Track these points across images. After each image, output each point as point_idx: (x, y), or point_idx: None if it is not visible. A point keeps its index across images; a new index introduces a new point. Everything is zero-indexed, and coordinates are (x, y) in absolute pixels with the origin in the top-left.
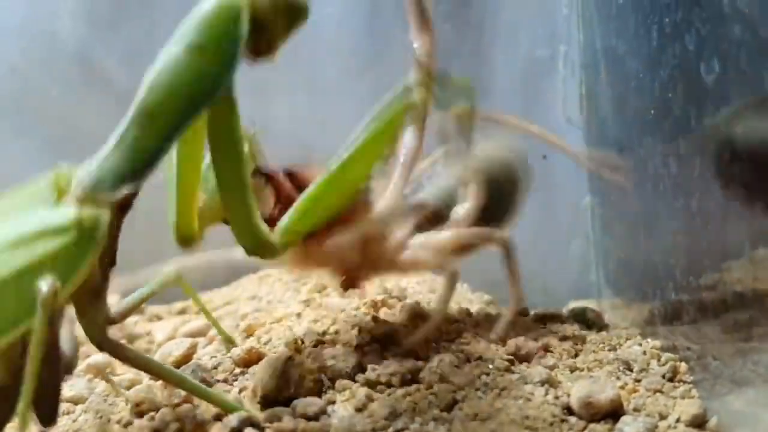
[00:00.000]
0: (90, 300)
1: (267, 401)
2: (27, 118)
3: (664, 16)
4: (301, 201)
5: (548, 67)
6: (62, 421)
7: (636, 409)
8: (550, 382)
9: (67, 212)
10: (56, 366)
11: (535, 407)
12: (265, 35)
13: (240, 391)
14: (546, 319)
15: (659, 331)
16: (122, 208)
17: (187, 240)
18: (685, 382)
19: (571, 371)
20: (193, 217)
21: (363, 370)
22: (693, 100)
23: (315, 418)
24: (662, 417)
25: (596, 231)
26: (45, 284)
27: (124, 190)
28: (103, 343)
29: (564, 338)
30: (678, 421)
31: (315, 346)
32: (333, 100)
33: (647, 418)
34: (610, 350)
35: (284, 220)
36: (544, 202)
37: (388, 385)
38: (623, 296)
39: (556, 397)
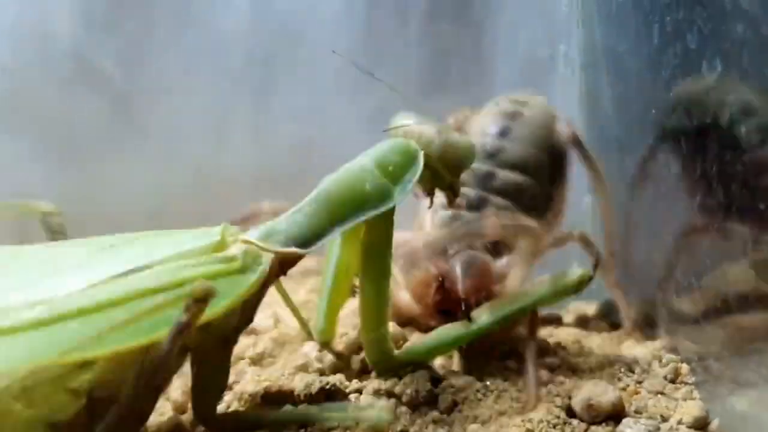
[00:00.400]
0: (216, 352)
1: None
2: (20, 118)
3: (665, 15)
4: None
5: (548, 67)
6: None
7: (637, 411)
8: (551, 384)
9: (236, 245)
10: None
11: (535, 410)
12: (433, 178)
13: None
14: (547, 321)
15: (661, 332)
16: (282, 265)
17: (326, 343)
18: (686, 383)
19: (573, 373)
20: (334, 321)
21: None
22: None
23: None
24: (664, 419)
25: (596, 231)
26: (200, 287)
27: (289, 248)
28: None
29: (565, 340)
30: (680, 423)
31: None
32: (332, 100)
33: (649, 420)
34: (611, 352)
35: (413, 344)
36: None
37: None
38: (624, 296)
39: (557, 400)
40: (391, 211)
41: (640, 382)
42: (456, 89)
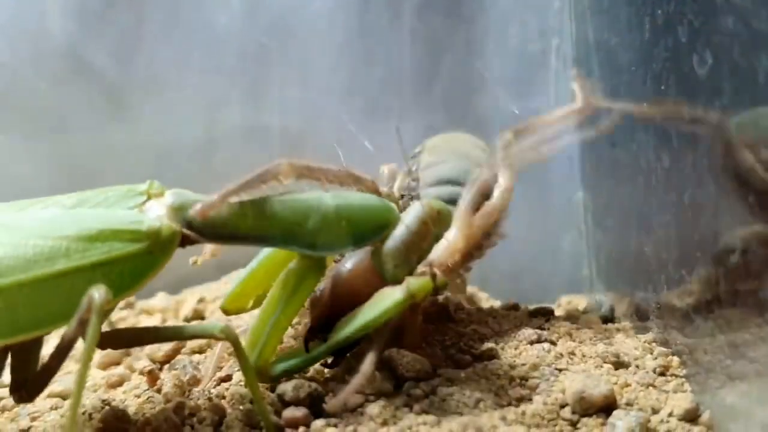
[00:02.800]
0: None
1: None
2: (15, 113)
3: (656, 9)
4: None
5: (540, 61)
6: (50, 416)
7: (628, 404)
8: (543, 377)
9: (148, 220)
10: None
11: (529, 402)
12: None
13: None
14: (539, 314)
15: (651, 325)
16: (183, 243)
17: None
18: (677, 376)
19: (565, 366)
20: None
21: None
22: (686, 92)
23: None
24: (654, 411)
25: (588, 225)
26: (98, 293)
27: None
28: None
29: (557, 333)
30: (670, 415)
31: None
32: (324, 94)
33: (639, 413)
34: (603, 344)
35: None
36: (536, 196)
37: None
38: (615, 290)
39: (550, 392)
40: (323, 260)
41: (631, 375)
42: (448, 84)
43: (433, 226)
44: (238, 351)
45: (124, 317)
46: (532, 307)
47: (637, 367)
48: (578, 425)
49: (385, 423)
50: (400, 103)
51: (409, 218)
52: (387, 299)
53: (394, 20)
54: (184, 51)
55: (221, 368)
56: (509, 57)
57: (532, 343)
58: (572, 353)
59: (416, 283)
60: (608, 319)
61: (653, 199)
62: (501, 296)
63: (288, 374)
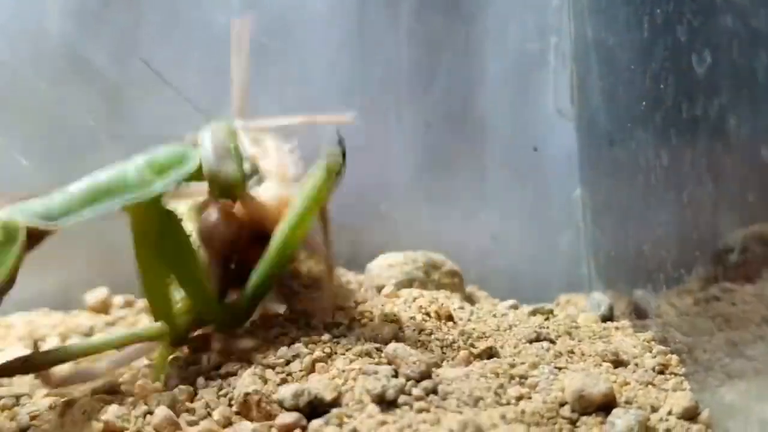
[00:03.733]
0: None
1: None
2: (13, 113)
3: (655, 8)
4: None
5: (539, 60)
6: (49, 415)
7: (627, 402)
8: (543, 375)
9: None
10: None
11: (528, 400)
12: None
13: None
14: (538, 313)
15: (650, 323)
16: (31, 239)
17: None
18: (676, 374)
19: (564, 364)
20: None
21: None
22: (684, 91)
23: None
24: (654, 409)
25: (587, 223)
26: None
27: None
28: None
29: (556, 332)
30: (669, 413)
31: None
32: (322, 93)
33: (638, 411)
34: (602, 343)
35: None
36: (534, 194)
37: None
38: (614, 289)
39: (550, 390)
40: (158, 201)
41: (630, 373)
42: (447, 83)
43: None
44: None
45: (123, 316)
46: (531, 306)
47: (636, 365)
48: (577, 423)
49: (384, 422)
50: (398, 102)
51: (204, 139)
52: (309, 185)
53: (392, 19)
54: (182, 50)
55: None
56: (508, 56)
57: (531, 341)
58: (571, 352)
59: (328, 151)
60: (607, 317)
61: (652, 197)
62: (499, 295)
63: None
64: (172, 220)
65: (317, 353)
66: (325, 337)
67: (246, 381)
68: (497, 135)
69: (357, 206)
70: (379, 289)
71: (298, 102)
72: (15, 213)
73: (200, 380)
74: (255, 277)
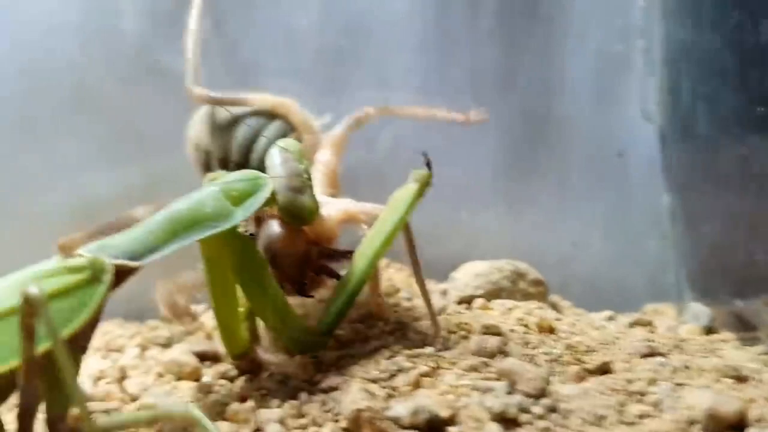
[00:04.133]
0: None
1: None
2: (85, 115)
3: (754, 5)
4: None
5: (622, 62)
6: None
7: (758, 420)
8: (663, 392)
9: (80, 258)
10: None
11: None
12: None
13: None
14: (637, 324)
15: (761, 336)
16: (118, 278)
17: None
18: None
19: (684, 380)
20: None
21: None
22: None
23: None
24: None
25: (676, 231)
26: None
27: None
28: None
29: (666, 345)
30: None
31: None
32: (401, 96)
33: None
34: (715, 358)
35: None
36: (616, 200)
37: None
38: (711, 299)
39: (676, 408)
40: (235, 229)
41: (753, 389)
42: (527, 86)
43: (297, 158)
44: None
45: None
46: (628, 317)
47: (758, 380)
48: None
49: None
50: (477, 105)
51: (276, 165)
52: (401, 200)
53: (471, 21)
54: (259, 52)
55: None
56: (589, 58)
57: (644, 356)
58: (687, 367)
59: (419, 173)
60: (709, 329)
61: (764, 203)
62: (581, 304)
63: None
64: (250, 247)
65: (421, 367)
66: (428, 350)
67: (356, 396)
68: (578, 139)
69: (435, 212)
70: (465, 299)
71: (376, 104)
72: (101, 251)
73: (303, 395)
74: (339, 297)
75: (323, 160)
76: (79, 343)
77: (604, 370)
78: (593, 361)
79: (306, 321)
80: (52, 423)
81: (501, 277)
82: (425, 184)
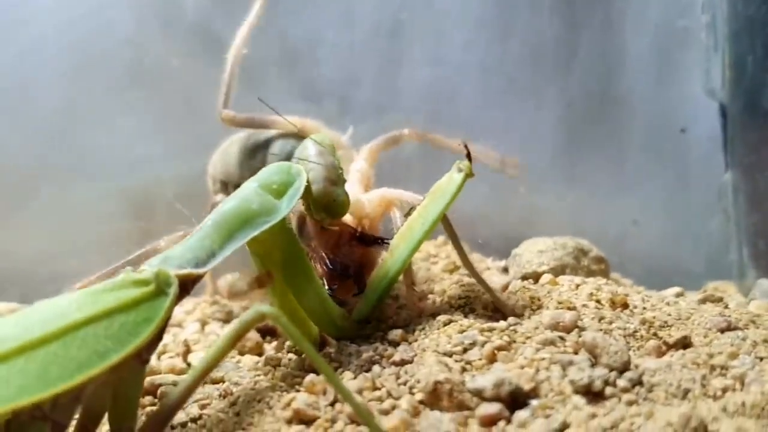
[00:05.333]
0: (135, 374)
1: None
2: (144, 91)
3: None
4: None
5: (685, 38)
6: (220, 404)
7: None
8: (745, 365)
9: (145, 271)
10: None
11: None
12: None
13: None
14: (708, 301)
15: None
16: (183, 287)
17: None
18: None
19: (765, 354)
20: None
21: None
22: None
23: None
24: None
25: (738, 209)
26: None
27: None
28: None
29: (741, 320)
30: None
31: None
32: (459, 73)
33: None
34: None
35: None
36: (677, 177)
37: None
38: None
39: (763, 381)
40: (282, 222)
41: None
42: (587, 62)
43: (331, 151)
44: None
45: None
46: (698, 293)
47: None
48: None
49: (594, 415)
50: (537, 82)
51: (311, 155)
52: (443, 190)
53: None
54: (317, 28)
55: None
56: (650, 34)
57: (722, 330)
58: (765, 341)
59: (462, 164)
60: None
61: None
62: (641, 283)
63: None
64: (294, 240)
65: (496, 341)
66: (501, 324)
67: (433, 369)
68: (639, 116)
69: (494, 190)
70: (530, 275)
71: (434, 81)
72: (164, 263)
73: (376, 368)
74: (378, 283)
75: (358, 167)
76: (143, 357)
77: (684, 344)
78: (672, 335)
79: (343, 309)
80: None
81: (564, 254)
82: (468, 175)
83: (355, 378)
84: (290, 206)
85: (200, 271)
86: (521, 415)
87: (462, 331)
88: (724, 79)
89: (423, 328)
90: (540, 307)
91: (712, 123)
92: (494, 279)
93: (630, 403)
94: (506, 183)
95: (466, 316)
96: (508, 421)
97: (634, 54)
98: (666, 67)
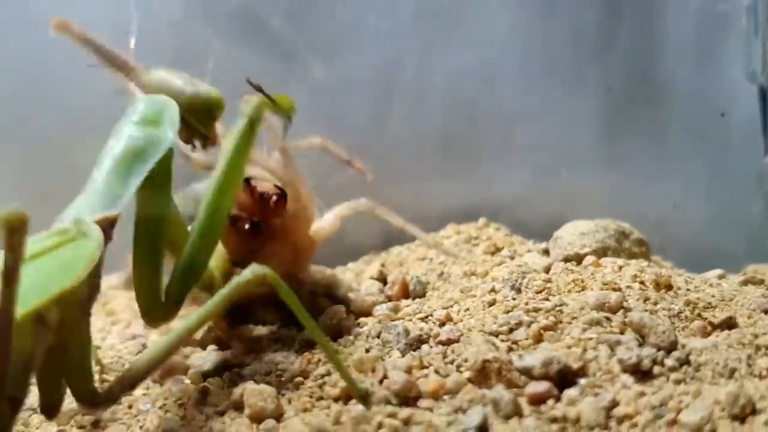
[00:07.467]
0: (77, 326)
1: None
2: (188, 73)
3: None
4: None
5: (726, 22)
6: None
7: None
8: None
9: (63, 222)
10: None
11: None
12: (188, 128)
13: None
14: (750, 283)
15: None
16: (104, 231)
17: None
18: None
19: None
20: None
21: None
22: None
23: None
24: None
25: None
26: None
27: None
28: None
29: None
30: None
31: None
32: (500, 56)
33: None
34: None
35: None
36: (718, 161)
37: None
38: None
39: None
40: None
41: None
42: (629, 45)
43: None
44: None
45: None
46: (739, 276)
47: None
48: None
49: (642, 393)
50: (578, 65)
51: (165, 80)
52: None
53: None
54: (359, 12)
55: None
56: (692, 18)
57: (766, 311)
58: None
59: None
60: None
61: None
62: (682, 266)
63: None
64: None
65: (543, 321)
66: (547, 304)
67: (482, 348)
68: (679, 99)
69: (535, 172)
70: (572, 257)
71: (476, 64)
72: (79, 212)
73: (424, 347)
74: (184, 256)
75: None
76: (83, 306)
77: (729, 324)
78: (716, 316)
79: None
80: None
81: (606, 236)
82: (258, 112)
83: (402, 357)
84: (173, 131)
85: (114, 212)
86: (570, 393)
87: (508, 312)
88: (765, 63)
89: (467, 309)
90: (584, 288)
91: (752, 106)
92: (536, 261)
93: (678, 382)
94: (547, 167)
95: (512, 298)
96: (558, 399)
97: (674, 38)
98: (706, 51)
